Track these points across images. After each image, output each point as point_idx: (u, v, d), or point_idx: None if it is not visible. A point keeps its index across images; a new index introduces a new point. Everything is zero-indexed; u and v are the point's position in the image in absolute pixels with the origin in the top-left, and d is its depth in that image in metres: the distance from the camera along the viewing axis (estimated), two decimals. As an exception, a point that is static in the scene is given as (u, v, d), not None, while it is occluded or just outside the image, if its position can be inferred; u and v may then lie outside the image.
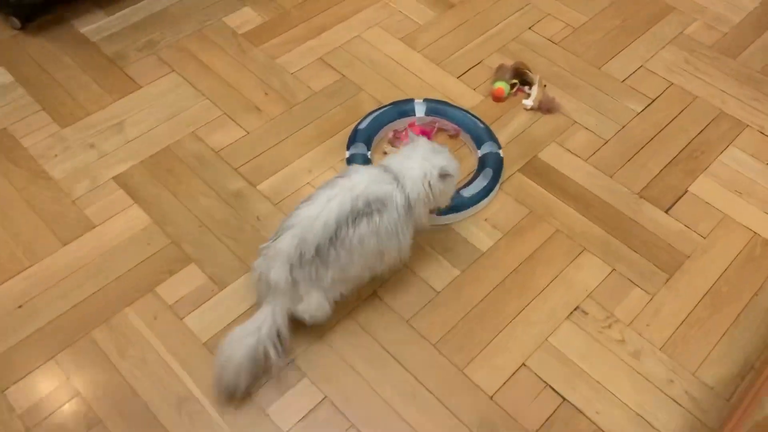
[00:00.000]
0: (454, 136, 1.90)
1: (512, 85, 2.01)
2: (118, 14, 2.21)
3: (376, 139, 1.86)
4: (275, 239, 1.38)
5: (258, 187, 1.77)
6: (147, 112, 1.94)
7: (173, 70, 2.05)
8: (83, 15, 2.20)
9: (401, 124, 1.91)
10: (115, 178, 1.77)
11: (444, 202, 1.54)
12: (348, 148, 1.82)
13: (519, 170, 1.84)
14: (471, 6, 2.29)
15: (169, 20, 2.20)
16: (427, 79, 2.06)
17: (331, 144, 1.87)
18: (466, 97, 2.01)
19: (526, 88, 2.02)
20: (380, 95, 1.99)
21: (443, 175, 1.44)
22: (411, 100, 1.93)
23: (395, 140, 1.88)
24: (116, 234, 1.66)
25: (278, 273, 1.35)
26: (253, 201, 1.74)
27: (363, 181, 1.39)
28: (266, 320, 1.36)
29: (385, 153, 1.85)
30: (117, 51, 2.10)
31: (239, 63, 2.07)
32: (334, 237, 1.34)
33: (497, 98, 2.00)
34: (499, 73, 2.03)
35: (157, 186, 1.76)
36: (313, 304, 1.39)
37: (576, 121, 1.96)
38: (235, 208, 1.73)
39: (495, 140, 1.85)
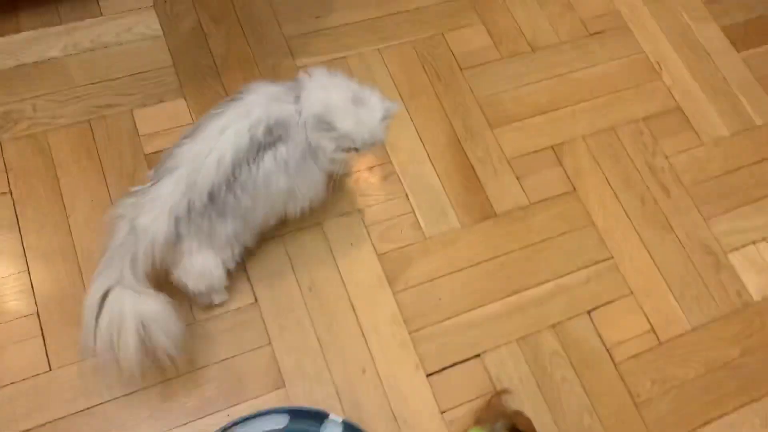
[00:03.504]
0: None
1: (502, 437, 1.19)
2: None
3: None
4: (153, 184, 1.06)
5: None
6: None
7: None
8: None
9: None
10: None
11: (343, 167, 1.19)
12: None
13: None
14: (521, 231, 1.40)
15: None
16: (378, 350, 1.25)
17: None
18: (427, 420, 1.20)
19: (523, 448, 1.20)
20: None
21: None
22: (323, 417, 1.15)
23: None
24: None
25: (157, 224, 1.04)
26: None
27: (260, 102, 1.10)
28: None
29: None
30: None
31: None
32: (232, 179, 1.06)
33: (467, 453, 1.19)
34: (489, 410, 1.20)
35: None
36: (197, 268, 1.10)
37: None
38: None
39: None
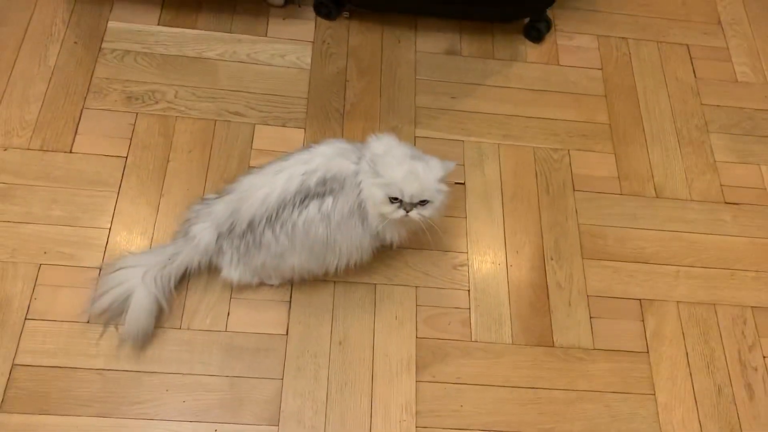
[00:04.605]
0: None
1: None
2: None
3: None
4: (216, 198, 1.24)
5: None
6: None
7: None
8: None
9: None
10: None
11: (392, 233, 1.21)
12: None
13: None
14: (573, 372, 1.31)
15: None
16: (378, 429, 1.21)
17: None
18: None
19: None
20: None
21: (422, 201, 1.14)
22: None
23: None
24: None
25: (204, 235, 1.20)
26: None
27: (323, 154, 1.18)
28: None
29: None
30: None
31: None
32: (274, 217, 1.15)
33: None
34: None
35: None
36: (235, 278, 1.25)
37: None
38: None
39: None
